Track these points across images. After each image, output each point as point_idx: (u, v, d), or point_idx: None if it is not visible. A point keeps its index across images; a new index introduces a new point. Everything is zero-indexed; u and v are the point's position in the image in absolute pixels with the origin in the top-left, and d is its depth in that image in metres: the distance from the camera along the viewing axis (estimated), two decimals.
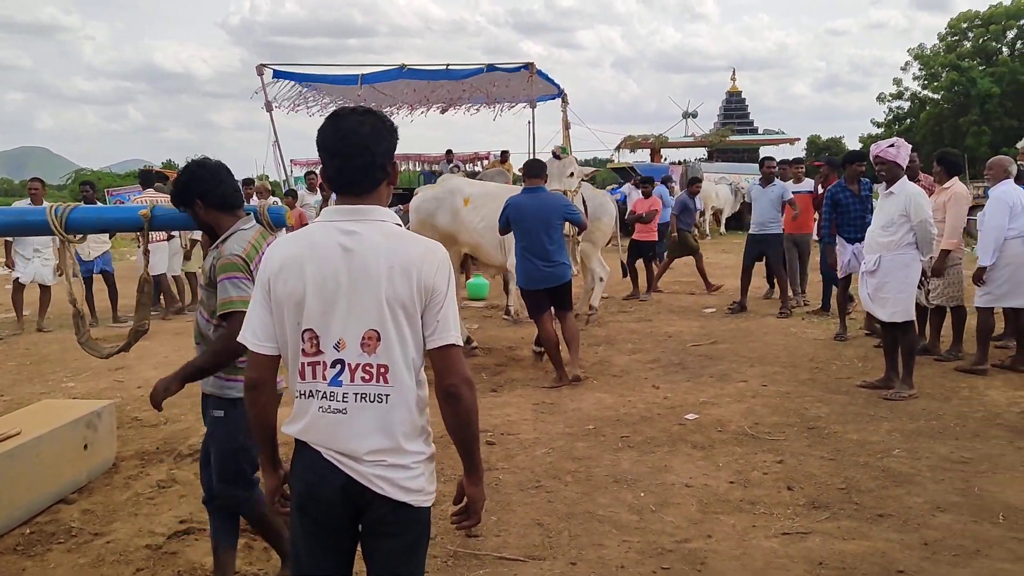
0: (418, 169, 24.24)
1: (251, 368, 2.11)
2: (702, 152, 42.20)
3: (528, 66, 14.99)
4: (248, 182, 12.50)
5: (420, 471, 2.07)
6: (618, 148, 41.05)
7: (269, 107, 14.54)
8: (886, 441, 4.97)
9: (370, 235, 2.01)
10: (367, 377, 1.99)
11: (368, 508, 2.04)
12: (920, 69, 41.87)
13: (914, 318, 5.96)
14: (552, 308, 6.60)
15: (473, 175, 15.57)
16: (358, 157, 2.04)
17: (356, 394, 1.99)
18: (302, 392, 2.04)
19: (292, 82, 14.35)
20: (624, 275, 10.95)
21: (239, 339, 2.12)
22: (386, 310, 1.98)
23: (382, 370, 1.99)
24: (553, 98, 19.42)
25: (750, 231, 9.95)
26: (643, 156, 39.26)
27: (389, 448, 2.01)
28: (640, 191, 12.64)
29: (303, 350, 2.01)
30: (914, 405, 5.69)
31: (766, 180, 9.84)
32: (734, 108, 48.94)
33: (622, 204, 22.46)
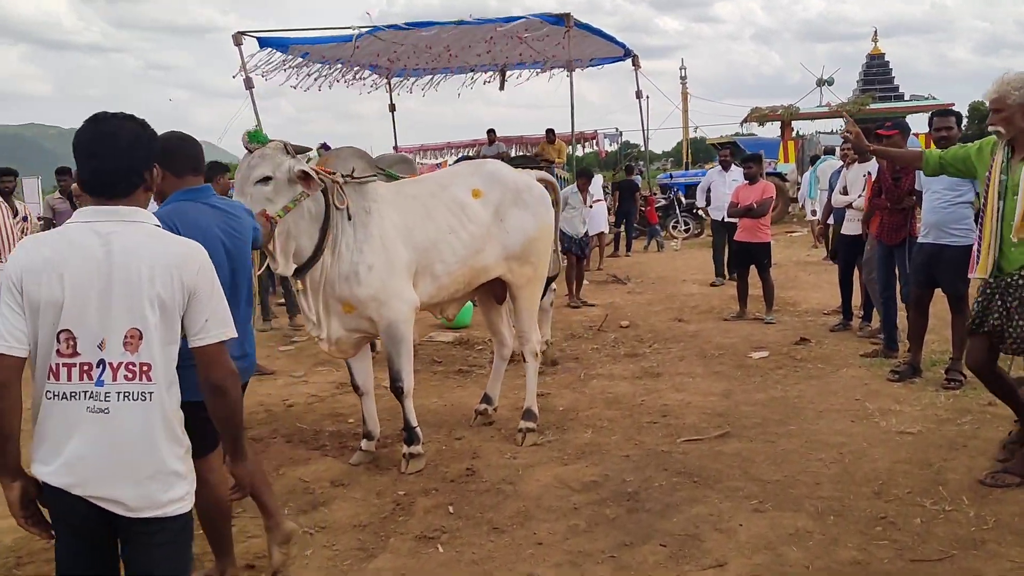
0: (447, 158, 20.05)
1: None
2: (838, 123, 37.35)
3: (563, 18, 11.89)
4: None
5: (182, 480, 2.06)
6: (743, 122, 36.93)
7: (249, 84, 12.53)
8: None
9: (130, 235, 2.00)
10: (130, 376, 1.97)
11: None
12: None
13: None
14: None
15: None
16: (114, 161, 2.02)
17: (119, 393, 1.96)
18: (56, 394, 1.97)
19: (276, 50, 12.51)
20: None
21: None
22: (147, 309, 1.96)
23: (145, 368, 1.98)
24: (621, 60, 16.03)
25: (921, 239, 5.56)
26: (774, 130, 35.07)
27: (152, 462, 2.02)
28: (743, 174, 8.74)
29: (58, 351, 1.95)
30: None
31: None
32: (876, 73, 42.92)
33: (678, 192, 17.66)
